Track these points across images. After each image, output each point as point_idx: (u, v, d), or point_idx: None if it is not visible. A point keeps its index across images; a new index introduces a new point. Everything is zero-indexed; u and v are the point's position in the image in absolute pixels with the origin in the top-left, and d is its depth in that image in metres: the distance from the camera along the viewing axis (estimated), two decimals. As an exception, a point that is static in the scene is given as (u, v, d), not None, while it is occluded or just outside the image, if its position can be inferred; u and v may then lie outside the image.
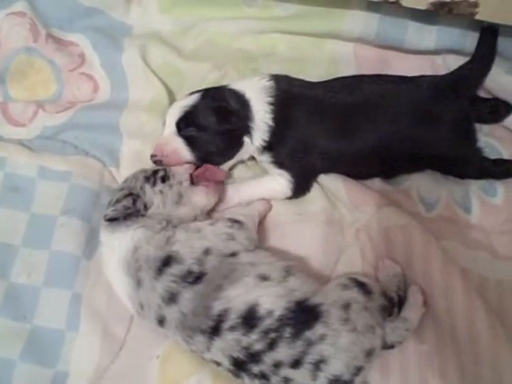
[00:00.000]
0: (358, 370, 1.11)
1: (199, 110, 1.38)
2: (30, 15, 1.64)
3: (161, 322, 1.16)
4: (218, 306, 1.11)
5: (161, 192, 1.29)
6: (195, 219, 1.32)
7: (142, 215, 1.25)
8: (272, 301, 1.10)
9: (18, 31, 1.64)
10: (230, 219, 1.28)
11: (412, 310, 1.26)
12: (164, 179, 1.31)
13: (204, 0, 1.72)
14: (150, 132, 1.55)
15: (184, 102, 1.40)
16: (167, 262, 1.16)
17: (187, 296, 1.13)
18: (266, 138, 1.40)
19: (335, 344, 1.08)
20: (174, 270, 1.15)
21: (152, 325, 1.20)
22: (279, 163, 1.42)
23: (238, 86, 1.43)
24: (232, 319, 1.09)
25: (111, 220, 1.23)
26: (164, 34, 1.72)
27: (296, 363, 1.08)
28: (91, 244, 1.40)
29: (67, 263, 1.37)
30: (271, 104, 1.40)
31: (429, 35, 1.57)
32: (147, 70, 1.63)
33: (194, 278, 1.14)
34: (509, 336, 1.22)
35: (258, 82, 1.44)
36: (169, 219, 1.26)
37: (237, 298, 1.11)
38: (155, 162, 1.38)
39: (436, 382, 1.23)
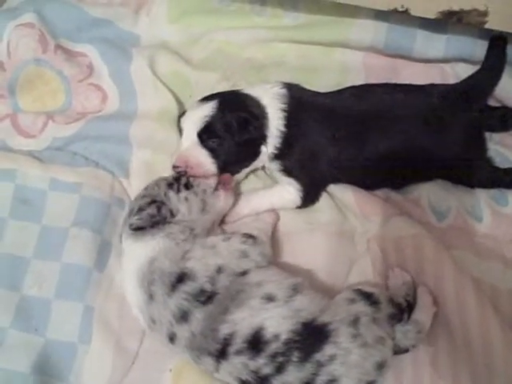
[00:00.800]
0: None
1: (221, 120, 1.37)
2: (38, 26, 1.64)
3: (172, 339, 1.16)
4: (224, 330, 1.10)
5: (186, 199, 1.29)
6: (213, 227, 1.33)
7: (169, 222, 1.25)
8: (278, 323, 1.09)
9: (26, 43, 1.64)
10: (244, 234, 1.28)
11: (422, 312, 1.26)
12: (187, 186, 1.32)
13: (213, 10, 1.73)
14: (160, 142, 1.55)
15: (203, 112, 1.39)
16: (181, 278, 1.16)
17: (198, 316, 1.13)
18: (278, 145, 1.41)
19: (346, 362, 1.08)
20: (187, 287, 1.15)
21: (163, 340, 1.19)
22: (288, 171, 1.43)
23: (253, 91, 1.44)
24: (238, 343, 1.09)
25: (137, 229, 1.23)
26: (172, 43, 1.72)
27: None
28: (102, 256, 1.39)
29: (78, 275, 1.36)
30: (284, 111, 1.41)
31: (438, 44, 1.58)
32: (156, 79, 1.63)
33: (206, 297, 1.14)
34: (523, 346, 1.21)
35: (271, 88, 1.45)
36: (192, 227, 1.26)
37: (242, 321, 1.10)
38: (178, 173, 1.37)
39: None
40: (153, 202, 1.26)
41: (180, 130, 1.47)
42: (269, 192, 1.47)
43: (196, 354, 1.14)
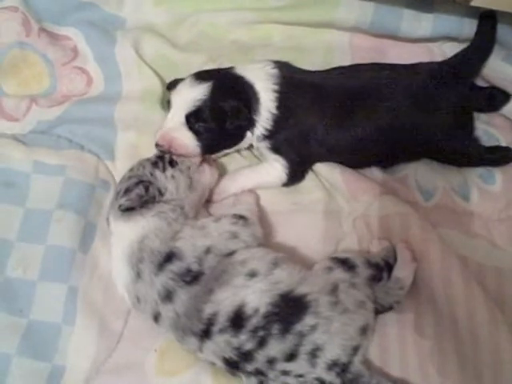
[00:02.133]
0: (355, 349, 1.11)
1: (212, 107, 1.35)
2: (22, 10, 1.62)
3: (156, 318, 1.16)
4: (207, 310, 1.10)
5: (173, 177, 1.28)
6: (201, 204, 1.34)
7: (158, 201, 1.24)
8: (257, 298, 1.09)
9: (10, 26, 1.61)
10: (234, 215, 1.27)
11: (403, 268, 1.27)
12: (172, 164, 1.31)
13: (198, -9, 1.71)
14: (145, 123, 1.54)
15: (195, 93, 1.36)
16: (169, 257, 1.15)
17: (183, 296, 1.12)
18: (268, 127, 1.40)
19: (328, 331, 1.08)
20: (175, 267, 1.14)
21: (148, 319, 1.19)
22: (276, 149, 1.42)
23: (246, 72, 1.41)
24: (221, 322, 1.09)
25: (127, 210, 1.22)
26: (158, 26, 1.70)
27: (291, 357, 1.08)
28: (87, 238, 1.39)
29: (63, 257, 1.35)
30: (276, 92, 1.39)
31: (424, 23, 1.57)
32: (140, 62, 1.62)
33: (192, 277, 1.13)
34: (508, 323, 1.21)
35: (263, 68, 1.43)
36: (182, 205, 1.25)
37: (225, 300, 1.10)
38: (162, 151, 1.36)
39: (435, 368, 1.23)
40: (140, 182, 1.25)
41: (168, 102, 1.44)
42: (255, 170, 1.47)
43: (180, 334, 1.14)
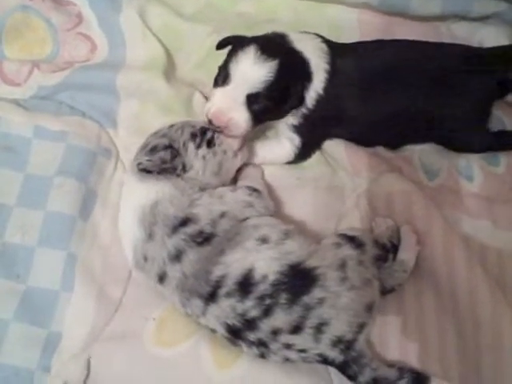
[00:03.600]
0: (361, 326, 1.10)
1: (277, 89, 1.27)
2: (26, -28, 1.59)
3: (161, 278, 1.15)
4: (216, 272, 1.09)
5: (203, 158, 1.26)
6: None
7: (178, 175, 1.22)
8: (266, 265, 1.08)
9: (13, -12, 1.58)
10: (249, 187, 1.27)
11: (407, 251, 1.26)
12: (210, 143, 1.28)
13: (205, -39, 1.68)
14: (148, 92, 1.52)
15: (261, 71, 1.25)
16: (185, 222, 1.14)
17: (191, 257, 1.11)
18: (310, 106, 1.36)
19: (335, 306, 1.07)
20: (189, 229, 1.14)
21: (150, 281, 1.18)
22: (297, 128, 1.39)
23: (303, 47, 1.34)
24: (228, 285, 1.08)
25: (145, 170, 1.20)
26: (163, -5, 1.67)
27: (296, 329, 1.06)
28: (87, 205, 1.37)
29: (63, 224, 1.34)
30: (326, 72, 1.35)
31: (434, 1, 1.55)
32: (145, 29, 1.60)
33: (203, 238, 1.12)
34: (509, 304, 1.22)
35: (313, 42, 1.37)
36: (202, 186, 1.23)
37: (235, 263, 1.09)
38: (211, 128, 1.29)
39: (435, 346, 1.22)
40: (169, 146, 1.23)
41: (221, 69, 1.32)
42: (263, 145, 1.45)
43: (186, 295, 1.12)
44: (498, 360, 1.19)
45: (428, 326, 1.25)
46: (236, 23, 1.66)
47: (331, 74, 1.35)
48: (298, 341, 1.08)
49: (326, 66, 1.35)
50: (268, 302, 1.06)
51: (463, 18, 1.56)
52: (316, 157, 1.46)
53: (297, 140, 1.40)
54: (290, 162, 1.44)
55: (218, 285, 1.09)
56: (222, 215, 1.17)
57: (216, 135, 1.29)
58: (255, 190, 1.27)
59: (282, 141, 1.41)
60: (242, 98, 1.26)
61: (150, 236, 1.16)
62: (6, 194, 1.38)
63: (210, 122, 1.27)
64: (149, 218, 1.16)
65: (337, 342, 1.08)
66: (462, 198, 1.42)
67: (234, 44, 1.36)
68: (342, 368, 1.12)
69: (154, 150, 1.23)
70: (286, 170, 1.45)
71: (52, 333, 1.26)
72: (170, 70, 1.58)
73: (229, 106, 1.26)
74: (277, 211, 1.36)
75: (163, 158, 1.21)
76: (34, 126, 1.45)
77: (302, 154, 1.43)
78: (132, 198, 1.22)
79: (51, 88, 1.53)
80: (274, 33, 1.37)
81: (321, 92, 1.35)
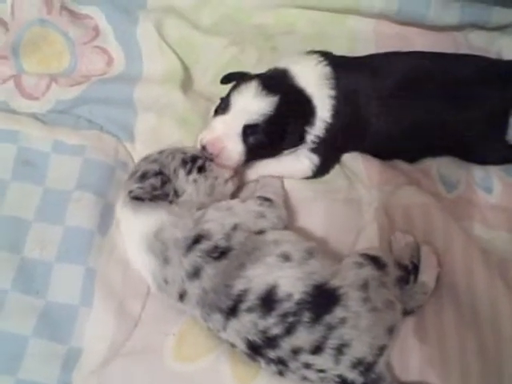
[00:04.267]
0: (382, 349, 1.09)
1: (275, 125, 1.28)
2: (43, -14, 1.59)
3: (181, 296, 1.15)
4: (238, 286, 1.09)
5: (195, 181, 1.25)
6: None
7: (171, 201, 1.21)
8: (291, 284, 1.08)
9: (31, 2, 1.60)
10: (260, 197, 1.27)
11: (427, 273, 1.25)
12: (201, 170, 1.27)
13: (222, -27, 1.68)
14: (165, 105, 1.52)
15: (261, 105, 1.26)
16: (197, 240, 1.14)
17: (209, 272, 1.11)
18: (320, 135, 1.36)
19: (357, 326, 1.06)
20: (203, 245, 1.13)
21: (171, 300, 1.18)
22: (314, 150, 1.39)
23: (302, 79, 1.34)
24: (250, 300, 1.07)
25: (136, 198, 1.20)
26: (180, 7, 1.68)
27: (316, 349, 1.05)
28: (106, 219, 1.37)
29: (81, 238, 1.34)
30: (332, 98, 1.34)
31: (452, 10, 1.54)
32: (162, 43, 1.60)
33: (219, 253, 1.12)
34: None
35: (316, 69, 1.36)
36: (200, 207, 1.22)
37: (257, 278, 1.09)
38: (203, 155, 1.29)
39: (456, 360, 1.21)
40: (159, 172, 1.23)
41: (223, 100, 1.34)
42: (281, 161, 1.43)
43: (206, 311, 1.12)
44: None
45: (449, 342, 1.23)
46: (253, 35, 1.66)
47: (338, 98, 1.35)
48: (318, 361, 1.07)
49: (331, 92, 1.34)
50: (291, 320, 1.05)
51: (481, 27, 1.55)
52: (333, 169, 1.46)
53: (316, 159, 1.40)
54: (307, 178, 1.44)
55: (239, 299, 1.08)
56: (235, 228, 1.16)
57: (207, 163, 1.28)
58: (267, 199, 1.27)
59: (300, 158, 1.40)
60: (239, 129, 1.27)
61: (166, 261, 1.15)
62: (24, 208, 1.38)
63: (203, 148, 1.28)
64: (158, 245, 1.16)
65: (357, 363, 1.07)
66: (481, 210, 1.40)
67: (237, 79, 1.37)
68: None
69: (144, 176, 1.22)
70: (303, 183, 1.45)
71: (72, 348, 1.26)
72: (187, 83, 1.58)
73: (225, 135, 1.27)
74: (294, 224, 1.38)
75: (154, 185, 1.20)
76: (52, 140, 1.45)
77: (321, 171, 1.43)
78: (132, 231, 1.21)
79: (69, 102, 1.54)
80: (276, 69, 1.38)
81: (329, 120, 1.34)
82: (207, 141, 1.27)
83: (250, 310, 1.07)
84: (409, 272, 1.24)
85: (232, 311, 1.09)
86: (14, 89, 1.56)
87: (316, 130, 1.35)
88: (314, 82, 1.34)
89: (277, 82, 1.32)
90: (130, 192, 1.21)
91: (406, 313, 1.20)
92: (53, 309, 1.29)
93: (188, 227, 1.16)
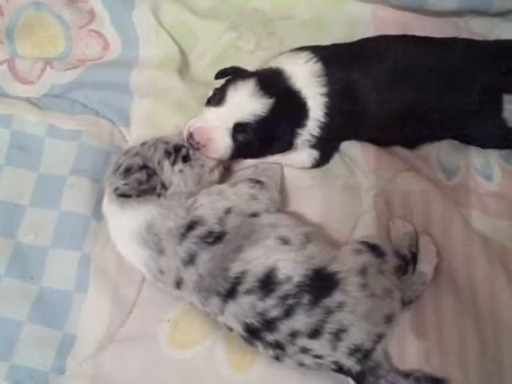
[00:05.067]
0: (379, 337, 1.09)
1: (265, 127, 1.27)
2: (38, -31, 1.57)
3: (178, 284, 1.14)
4: (235, 268, 1.08)
5: (181, 171, 1.23)
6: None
7: (159, 194, 1.19)
8: (291, 266, 1.07)
9: (25, -15, 1.57)
10: (251, 179, 1.25)
11: (426, 263, 1.24)
12: (185, 159, 1.25)
13: (219, -44, 1.66)
14: (162, 90, 1.50)
15: (256, 106, 1.25)
16: (191, 227, 1.13)
17: (205, 257, 1.10)
18: (315, 134, 1.34)
19: (355, 312, 1.06)
20: (197, 231, 1.12)
21: (168, 288, 1.17)
22: (313, 146, 1.38)
23: (296, 79, 1.32)
24: (249, 282, 1.06)
25: (123, 196, 1.17)
26: (177, -9, 1.65)
27: (314, 333, 1.05)
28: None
29: (76, 224, 1.33)
30: (324, 96, 1.32)
31: (452, -5, 1.51)
32: (159, 27, 1.58)
33: (214, 238, 1.11)
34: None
35: (305, 64, 1.34)
36: (189, 196, 1.20)
37: (256, 260, 1.08)
38: (188, 143, 1.28)
39: (455, 350, 1.20)
40: (144, 166, 1.20)
41: (215, 92, 1.32)
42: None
43: (203, 295, 1.11)
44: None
45: (447, 332, 1.22)
46: (252, 20, 1.64)
47: (331, 94, 1.32)
48: (315, 346, 1.06)
49: (323, 90, 1.32)
50: (290, 302, 1.05)
51: (482, 13, 1.52)
52: (332, 157, 1.44)
53: (315, 153, 1.38)
54: (307, 168, 1.43)
55: (237, 281, 1.07)
56: (228, 211, 1.15)
57: (191, 151, 1.26)
58: (258, 181, 1.25)
59: (299, 152, 1.39)
60: (230, 125, 1.26)
61: (161, 251, 1.14)
62: (19, 193, 1.38)
63: (190, 135, 1.26)
64: (151, 238, 1.14)
65: (354, 350, 1.07)
66: (481, 198, 1.39)
67: (233, 74, 1.36)
68: (358, 378, 1.10)
69: (128, 171, 1.19)
70: (302, 170, 1.43)
71: (66, 334, 1.26)
72: (184, 68, 1.56)
73: (214, 127, 1.26)
74: (293, 211, 1.36)
75: (139, 179, 1.17)
76: (47, 124, 1.44)
77: (321, 163, 1.42)
78: (121, 227, 1.18)
79: (64, 86, 1.52)
80: (271, 68, 1.36)
81: (322, 119, 1.33)
82: (195, 128, 1.25)
83: (248, 291, 1.07)
84: (407, 262, 1.23)
85: (230, 294, 1.08)
86: (7, 73, 1.54)
87: (310, 129, 1.33)
88: (306, 81, 1.32)
89: (273, 82, 1.31)
90: (116, 189, 1.17)
91: (405, 303, 1.19)
92: (47, 294, 1.28)
93: (180, 216, 1.15)
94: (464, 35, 1.51)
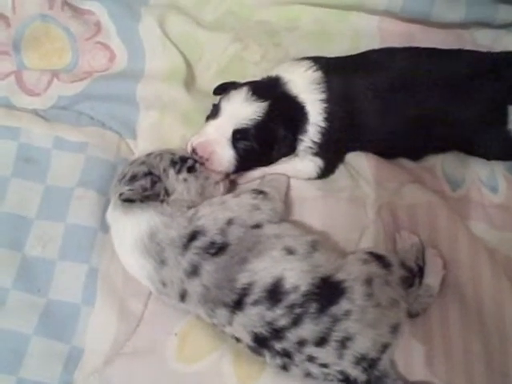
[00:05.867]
0: (385, 346, 1.09)
1: (264, 130, 1.28)
2: (45, -19, 1.58)
3: (182, 296, 1.14)
4: (242, 279, 1.08)
5: (185, 180, 1.24)
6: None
7: (162, 200, 1.19)
8: (298, 276, 1.08)
9: (33, -2, 1.58)
10: (254, 190, 1.26)
11: (432, 276, 1.24)
12: (191, 169, 1.26)
13: (226, -32, 1.67)
14: (168, 102, 1.51)
15: (250, 111, 1.27)
16: (193, 237, 1.13)
17: (208, 268, 1.10)
18: (316, 140, 1.35)
19: (361, 320, 1.06)
20: (199, 242, 1.12)
21: (172, 301, 1.17)
22: (316, 153, 1.38)
23: (294, 86, 1.33)
24: (256, 293, 1.07)
25: (127, 201, 1.18)
26: (183, 3, 1.66)
27: (321, 341, 1.06)
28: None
29: (83, 236, 1.34)
30: (323, 102, 1.33)
31: (457, 7, 1.52)
32: (165, 39, 1.59)
33: (217, 249, 1.11)
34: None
35: (306, 74, 1.35)
36: (191, 206, 1.21)
37: (263, 271, 1.08)
38: (190, 158, 1.29)
39: (461, 361, 1.20)
40: (149, 173, 1.21)
41: (214, 106, 1.35)
42: (285, 163, 1.41)
43: (210, 306, 1.11)
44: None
45: (453, 343, 1.23)
46: (257, 31, 1.64)
47: (331, 101, 1.33)
48: (322, 354, 1.07)
49: (322, 96, 1.33)
50: (298, 311, 1.05)
51: (487, 25, 1.53)
52: (338, 168, 1.44)
53: (320, 162, 1.38)
54: (312, 179, 1.43)
55: (244, 292, 1.08)
56: (230, 222, 1.15)
57: (197, 164, 1.28)
58: (261, 192, 1.26)
59: (304, 161, 1.39)
60: (229, 134, 1.27)
61: (163, 262, 1.14)
62: (26, 206, 1.38)
63: (193, 150, 1.28)
64: (153, 247, 1.14)
65: (360, 359, 1.07)
66: (486, 210, 1.39)
67: (230, 88, 1.36)
68: None
69: (133, 178, 1.21)
70: (308, 182, 1.43)
71: (74, 348, 1.26)
72: (189, 80, 1.57)
73: (214, 139, 1.28)
74: (298, 222, 1.36)
75: (144, 186, 1.19)
76: (53, 136, 1.45)
77: (326, 173, 1.42)
78: (125, 234, 1.18)
79: (71, 98, 1.53)
80: (267, 76, 1.38)
81: (323, 124, 1.33)
82: (197, 144, 1.27)
83: (256, 302, 1.07)
84: (414, 274, 1.22)
85: (237, 305, 1.08)
86: (15, 85, 1.54)
87: (311, 135, 1.34)
88: (305, 87, 1.33)
89: (267, 88, 1.33)
90: (121, 195, 1.18)
91: (412, 315, 1.19)
92: (55, 307, 1.29)
93: (182, 225, 1.15)
94: (469, 47, 1.52)
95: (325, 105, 1.33)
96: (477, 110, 1.36)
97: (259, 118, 1.27)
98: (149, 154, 1.28)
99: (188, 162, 1.27)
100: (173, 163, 1.25)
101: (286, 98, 1.33)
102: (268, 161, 1.37)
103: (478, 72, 1.37)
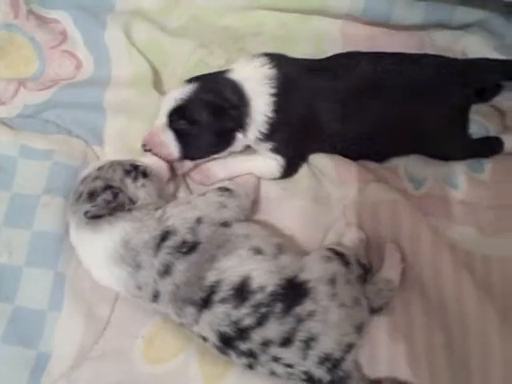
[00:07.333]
0: (349, 346, 1.10)
1: (193, 104, 1.31)
2: (10, -10, 1.59)
3: (155, 297, 1.14)
4: (210, 277, 1.09)
5: (143, 185, 1.26)
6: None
7: (129, 209, 1.20)
8: (264, 276, 1.09)
9: (-3, 7, 1.59)
10: (220, 188, 1.27)
11: (391, 269, 1.26)
12: (145, 174, 1.28)
13: (190, -25, 1.69)
14: (135, 108, 1.52)
15: (178, 93, 1.33)
16: (164, 237, 1.14)
17: (180, 267, 1.11)
18: (264, 131, 1.36)
19: (325, 321, 1.07)
20: (171, 242, 1.13)
21: (145, 303, 1.18)
22: (275, 149, 1.39)
23: (238, 74, 1.36)
24: (224, 291, 1.08)
25: (95, 217, 1.17)
26: (148, 10, 1.69)
27: (286, 341, 1.06)
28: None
29: (50, 243, 1.34)
30: (273, 95, 1.35)
31: (417, 10, 1.56)
32: (131, 46, 1.60)
33: (188, 247, 1.12)
34: (496, 310, 1.21)
35: (258, 68, 1.37)
36: (158, 207, 1.22)
37: (230, 269, 1.09)
38: (145, 151, 1.35)
39: (424, 356, 1.22)
40: (108, 186, 1.21)
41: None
42: (248, 160, 1.45)
43: (179, 305, 1.12)
44: (485, 367, 1.18)
45: (417, 337, 1.25)
46: (222, 37, 1.67)
47: (282, 96, 1.35)
48: (287, 354, 1.08)
49: (272, 91, 1.34)
50: (263, 310, 1.06)
51: (445, 26, 1.56)
52: (302, 168, 1.46)
53: (280, 159, 1.40)
54: (275, 179, 1.44)
55: (212, 290, 1.08)
56: (199, 221, 1.16)
57: (148, 168, 1.30)
58: (227, 189, 1.27)
59: (266, 160, 1.41)
60: (165, 118, 1.34)
61: (138, 266, 1.14)
62: (-8, 213, 1.37)
63: (143, 145, 1.35)
64: (128, 253, 1.15)
65: (324, 359, 1.08)
66: (448, 206, 1.41)
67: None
68: None
69: (92, 195, 1.19)
70: (273, 182, 1.45)
71: (41, 353, 1.26)
72: (156, 86, 1.58)
73: (157, 127, 1.35)
74: (264, 222, 1.38)
75: (106, 199, 1.19)
76: (19, 145, 1.45)
77: (288, 171, 1.43)
78: (95, 251, 1.18)
79: (37, 106, 1.54)
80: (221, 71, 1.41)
81: (270, 115, 1.35)
82: (144, 137, 1.35)
83: (223, 300, 1.08)
84: (366, 271, 1.25)
85: (205, 302, 1.09)
86: (-19, 94, 1.55)
87: (258, 123, 1.35)
88: (253, 78, 1.36)
89: (204, 75, 1.40)
90: (86, 213, 1.17)
91: (374, 310, 1.21)
92: (22, 313, 1.29)
93: (153, 227, 1.16)
94: (428, 48, 1.56)
95: (274, 99, 1.34)
96: (439, 116, 1.39)
97: (188, 96, 1.32)
98: (99, 169, 1.27)
99: (140, 168, 1.28)
100: (127, 172, 1.26)
101: (219, 79, 1.37)
102: (218, 141, 1.38)
103: (441, 77, 1.40)
